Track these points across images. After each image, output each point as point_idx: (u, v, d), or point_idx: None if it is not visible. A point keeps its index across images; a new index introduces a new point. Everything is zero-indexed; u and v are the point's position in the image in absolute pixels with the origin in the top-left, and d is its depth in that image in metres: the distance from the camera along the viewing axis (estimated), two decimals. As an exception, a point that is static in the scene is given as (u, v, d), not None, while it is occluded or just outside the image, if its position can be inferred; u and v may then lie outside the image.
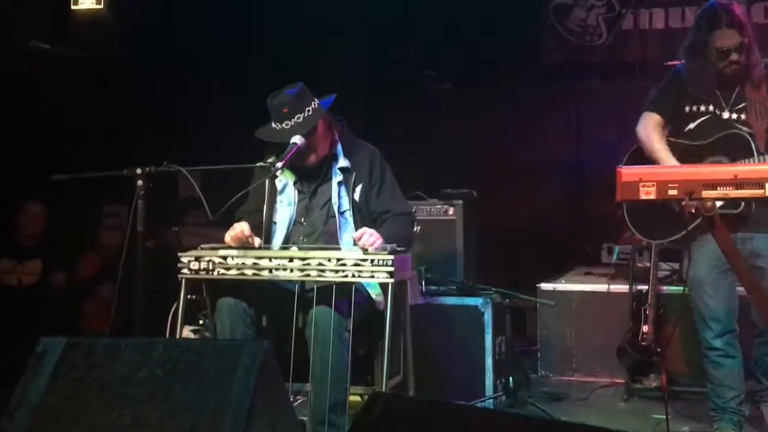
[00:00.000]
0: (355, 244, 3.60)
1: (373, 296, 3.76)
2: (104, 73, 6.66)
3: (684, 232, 3.80)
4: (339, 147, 3.94)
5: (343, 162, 3.90)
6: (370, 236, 3.58)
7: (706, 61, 3.96)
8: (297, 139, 3.71)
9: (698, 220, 3.44)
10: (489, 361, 4.80)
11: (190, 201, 6.68)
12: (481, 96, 7.48)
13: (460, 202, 5.22)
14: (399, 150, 6.33)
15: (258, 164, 3.83)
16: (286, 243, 3.86)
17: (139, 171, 3.66)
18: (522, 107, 7.43)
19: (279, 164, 3.61)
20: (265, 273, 3.48)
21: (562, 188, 7.36)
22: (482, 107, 7.44)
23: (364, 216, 3.88)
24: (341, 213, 3.85)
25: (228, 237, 3.70)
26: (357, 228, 3.77)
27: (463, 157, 7.28)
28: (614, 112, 7.14)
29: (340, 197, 3.86)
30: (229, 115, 6.70)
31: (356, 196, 3.87)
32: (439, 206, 5.23)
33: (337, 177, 3.88)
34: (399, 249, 3.54)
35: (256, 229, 3.82)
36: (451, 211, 5.21)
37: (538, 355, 5.63)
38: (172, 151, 3.97)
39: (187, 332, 4.51)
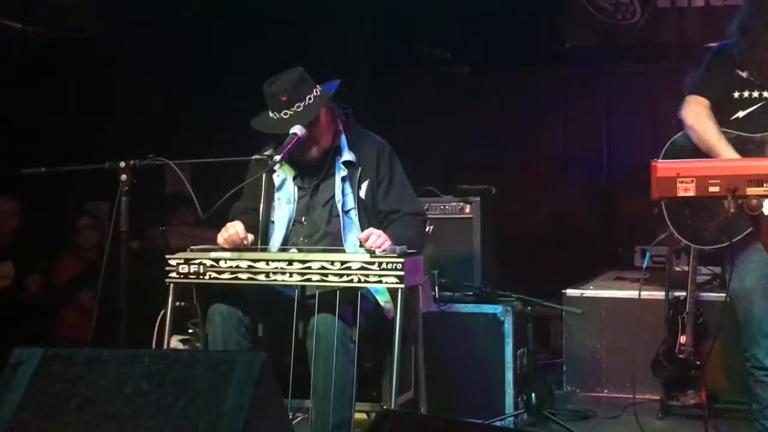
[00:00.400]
0: (361, 245, 3.60)
1: (381, 303, 3.76)
2: (83, 56, 6.66)
3: (739, 237, 3.68)
4: (343, 139, 3.94)
5: (347, 155, 3.90)
6: (378, 237, 3.58)
7: (759, 43, 3.88)
8: (297, 130, 3.71)
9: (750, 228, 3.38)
10: (509, 376, 4.80)
11: (179, 198, 6.67)
12: (501, 82, 7.48)
13: (478, 199, 5.21)
14: (410, 142, 6.36)
15: (254, 157, 3.83)
16: (285, 244, 3.86)
17: (122, 164, 3.65)
18: (547, 94, 7.43)
19: (277, 157, 3.62)
20: (262, 277, 3.49)
21: (590, 183, 7.37)
22: (503, 94, 7.44)
23: (370, 215, 3.88)
24: (345, 212, 3.85)
25: (220, 238, 3.70)
26: (363, 228, 3.77)
27: (481, 150, 7.28)
28: (648, 99, 7.14)
29: (344, 194, 3.85)
30: (223, 103, 6.70)
31: (362, 193, 3.87)
32: (455, 204, 5.23)
33: (341, 172, 3.88)
34: (410, 251, 3.54)
35: (251, 229, 3.82)
36: (467, 208, 5.21)
37: (564, 368, 5.63)
38: (159, 142, 3.98)
39: (175, 342, 4.53)
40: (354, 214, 3.85)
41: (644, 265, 5.55)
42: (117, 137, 6.28)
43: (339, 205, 3.84)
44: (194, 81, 6.92)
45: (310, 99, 3.80)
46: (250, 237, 3.74)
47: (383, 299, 3.76)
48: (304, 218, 3.89)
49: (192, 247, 3.63)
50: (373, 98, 7.22)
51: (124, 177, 3.65)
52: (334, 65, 5.85)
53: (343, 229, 3.82)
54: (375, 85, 7.44)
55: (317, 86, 3.85)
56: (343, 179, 3.87)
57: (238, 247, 3.67)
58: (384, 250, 3.49)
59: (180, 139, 6.41)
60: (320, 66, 4.01)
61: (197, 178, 4.29)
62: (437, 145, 7.37)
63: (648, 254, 5.58)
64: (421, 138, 7.30)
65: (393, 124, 6.85)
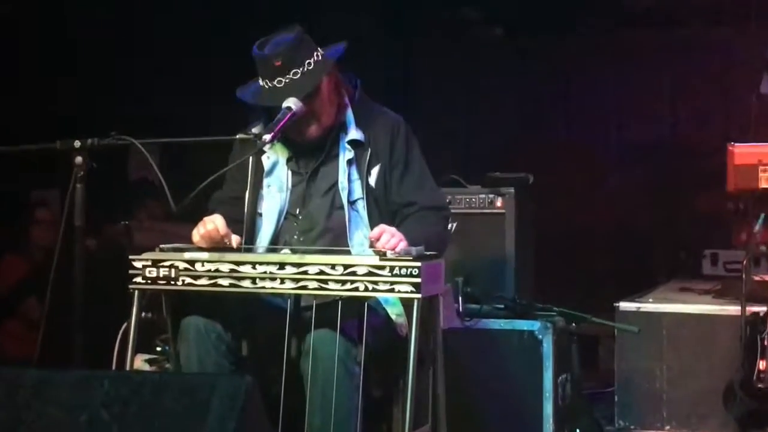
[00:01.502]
0: (371, 246, 3.59)
1: (393, 317, 3.76)
2: (37, 11, 6.67)
3: None
4: (349, 114, 3.93)
5: (354, 133, 3.90)
6: (392, 237, 3.57)
7: None
8: (292, 103, 3.70)
9: None
10: (548, 408, 4.79)
11: (145, 186, 6.69)
12: (542, 48, 7.47)
13: (512, 190, 5.21)
14: (430, 119, 6.36)
15: (238, 136, 3.82)
16: (276, 243, 3.86)
17: (77, 144, 3.65)
18: (597, 65, 7.42)
19: (267, 136, 3.60)
20: (247, 284, 3.48)
21: (649, 174, 7.36)
22: (544, 63, 7.44)
23: (381, 208, 3.87)
24: (351, 203, 3.85)
25: (196, 235, 3.70)
26: (372, 224, 3.76)
27: (517, 130, 7.28)
28: (721, 71, 7.12)
29: (350, 181, 3.85)
30: (202, 70, 6.70)
31: (371, 181, 3.87)
32: (483, 196, 5.22)
33: (347, 154, 3.88)
34: (428, 253, 3.53)
35: (235, 224, 3.82)
36: (499, 202, 5.20)
37: (616, 399, 5.61)
38: (123, 119, 3.98)
39: (140, 362, 4.53)
40: (362, 206, 3.85)
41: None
42: (71, 109, 6.29)
43: (343, 195, 3.83)
44: (166, 43, 6.91)
45: (309, 65, 3.80)
46: (234, 238, 3.73)
47: (395, 312, 3.76)
48: (299, 210, 3.89)
49: (161, 246, 3.63)
50: (387, 66, 7.22)
51: (79, 159, 3.64)
52: (340, 25, 5.84)
53: (349, 224, 3.82)
54: (389, 49, 7.43)
55: (319, 49, 3.85)
56: (349, 162, 3.87)
57: (217, 246, 3.66)
58: (397, 252, 3.47)
59: (148, 113, 6.43)
60: (324, 25, 4.01)
61: (168, 162, 4.28)
62: (463, 124, 7.37)
63: (761, 219, 5.33)
64: (444, 115, 7.29)
65: (410, 97, 6.86)
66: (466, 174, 5.36)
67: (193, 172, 3.66)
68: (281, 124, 3.65)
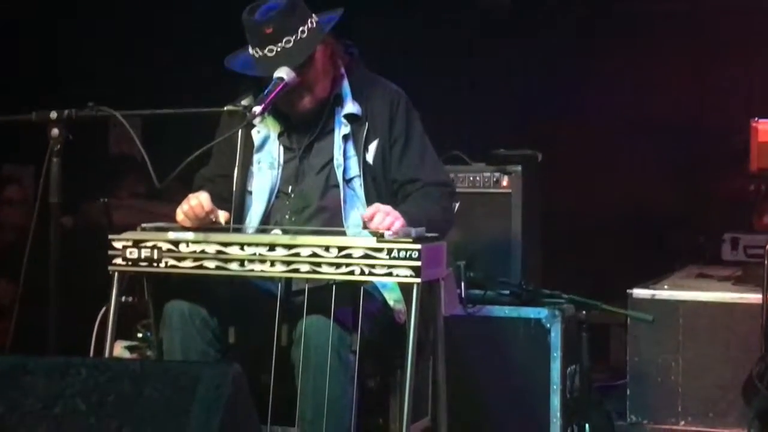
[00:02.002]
0: (364, 226, 3.60)
1: (391, 303, 3.77)
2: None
3: None
4: (346, 85, 3.94)
5: (351, 107, 3.90)
6: (386, 216, 3.57)
7: None
8: (284, 73, 3.70)
9: None
10: (556, 401, 4.82)
11: (126, 161, 6.69)
12: (551, 18, 7.44)
13: (519, 168, 5.21)
14: (431, 92, 6.34)
15: (226, 108, 3.83)
16: (266, 223, 3.87)
17: (53, 115, 3.65)
18: (612, 36, 7.40)
19: (257, 108, 3.59)
20: (235, 266, 3.49)
21: (667, 152, 7.35)
22: (553, 35, 7.41)
23: (380, 186, 3.88)
24: (347, 181, 3.85)
25: (180, 213, 3.70)
26: (370, 203, 3.77)
27: (525, 105, 7.27)
28: (745, 43, 7.11)
29: (346, 157, 3.86)
30: (186, 36, 6.68)
31: (369, 157, 3.88)
32: (488, 174, 5.23)
33: (343, 128, 3.88)
34: (429, 235, 3.54)
35: (222, 203, 3.82)
36: (504, 181, 5.20)
37: (628, 392, 5.62)
38: (102, 88, 3.98)
39: (120, 350, 4.55)
40: (358, 184, 3.86)
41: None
42: (47, 80, 6.27)
43: (339, 172, 3.84)
44: (155, 11, 6.89)
45: (303, 32, 3.79)
46: (222, 213, 3.73)
47: (393, 298, 3.77)
48: (291, 188, 3.90)
49: (143, 225, 3.64)
50: (386, 35, 7.19)
51: (55, 132, 3.64)
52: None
53: (344, 203, 3.82)
54: (389, 18, 7.41)
55: (313, 16, 3.85)
56: (345, 138, 3.87)
57: (203, 226, 3.66)
58: (395, 233, 3.48)
59: (129, 83, 6.41)
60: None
61: (151, 136, 4.28)
62: (466, 98, 7.35)
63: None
64: (446, 88, 7.28)
65: (410, 69, 6.83)
66: (470, 151, 5.35)
67: (177, 146, 3.66)
68: (272, 95, 3.65)
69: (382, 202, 3.70)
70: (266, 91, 3.66)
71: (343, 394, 3.49)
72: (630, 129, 7.34)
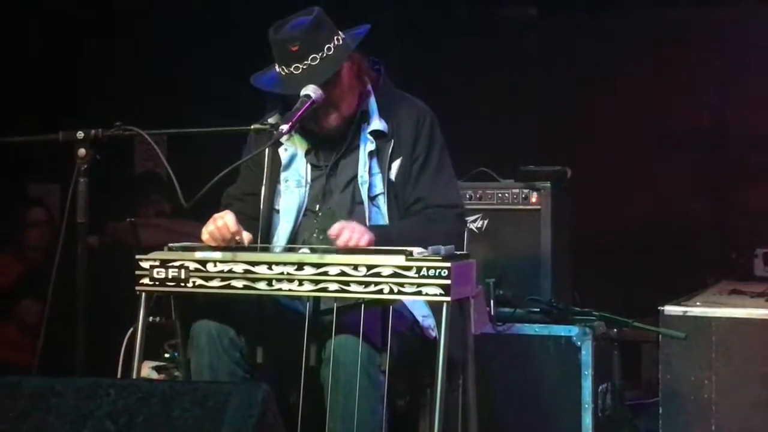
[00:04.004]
0: (331, 244, 3.60)
1: (420, 319, 3.77)
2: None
3: None
4: (372, 101, 3.94)
5: (377, 123, 3.90)
6: (352, 232, 3.57)
7: None
8: (311, 91, 3.71)
9: None
10: (587, 419, 4.81)
11: (152, 180, 6.72)
12: (579, 29, 7.44)
13: (548, 184, 5.20)
14: (458, 107, 6.35)
15: (254, 126, 3.83)
16: (294, 242, 3.87)
17: (80, 135, 3.67)
18: (639, 46, 7.39)
19: (284, 127, 3.62)
20: (263, 285, 3.49)
21: (697, 165, 7.33)
22: (579, 45, 7.40)
23: (400, 204, 3.90)
24: (372, 198, 3.86)
25: (205, 233, 3.70)
26: (393, 221, 3.80)
27: (553, 119, 7.26)
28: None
29: (371, 174, 3.86)
30: (214, 54, 6.70)
31: (392, 175, 3.89)
32: (517, 191, 5.21)
33: (368, 145, 3.89)
34: (459, 253, 3.54)
35: (249, 221, 3.84)
36: (534, 197, 5.19)
37: (660, 411, 5.59)
38: (126, 107, 4.00)
39: (147, 370, 4.56)
40: (383, 201, 3.86)
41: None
42: (73, 99, 6.31)
43: (363, 189, 3.85)
44: (176, 24, 6.92)
45: (329, 49, 3.80)
46: (246, 235, 3.73)
47: (422, 314, 3.77)
48: (318, 206, 3.90)
49: (170, 244, 3.65)
50: (413, 50, 7.20)
51: (82, 152, 3.66)
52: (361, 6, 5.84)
53: (369, 221, 3.82)
54: (415, 32, 7.41)
55: (339, 33, 3.86)
56: (371, 154, 3.88)
57: (228, 246, 3.67)
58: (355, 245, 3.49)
59: (154, 102, 6.44)
60: (346, 6, 4.00)
61: (178, 155, 4.31)
62: (494, 112, 7.34)
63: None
64: (474, 102, 7.28)
65: (436, 84, 6.84)
66: (498, 167, 5.35)
67: (203, 164, 3.67)
68: (300, 113, 3.67)
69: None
70: (294, 109, 3.68)
71: (372, 414, 3.49)
72: (659, 143, 7.32)
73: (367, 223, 3.80)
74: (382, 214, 3.86)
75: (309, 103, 3.71)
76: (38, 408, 2.69)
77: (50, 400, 2.68)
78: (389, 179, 3.87)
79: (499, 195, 5.22)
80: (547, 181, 5.21)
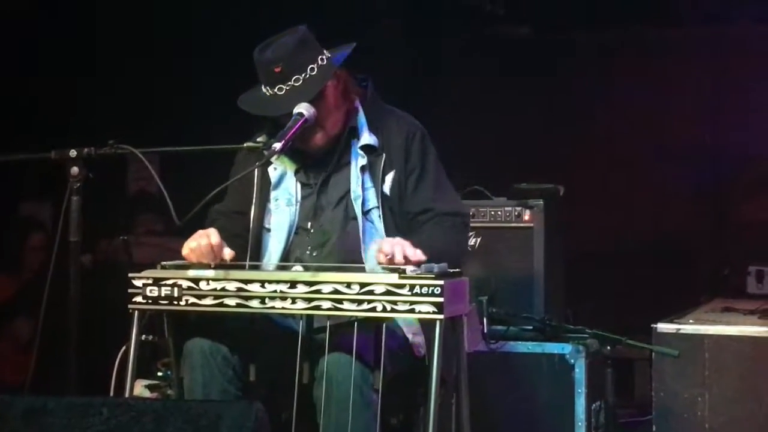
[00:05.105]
0: (380, 262, 3.58)
1: (409, 336, 3.77)
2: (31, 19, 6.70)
3: None
4: (361, 116, 3.94)
5: (368, 138, 3.90)
6: (394, 247, 3.53)
7: None
8: (304, 109, 3.71)
9: None
10: (581, 437, 4.80)
11: (145, 198, 6.72)
12: (573, 47, 7.46)
13: (541, 202, 5.21)
14: (449, 125, 6.36)
15: (246, 144, 3.83)
16: (286, 259, 3.87)
17: (73, 153, 3.68)
18: (633, 64, 7.40)
19: (277, 145, 3.60)
20: (256, 303, 3.49)
21: (689, 183, 7.34)
22: (576, 64, 7.42)
23: (397, 218, 3.89)
24: (365, 213, 3.86)
25: (186, 248, 3.66)
26: (389, 234, 3.78)
27: (546, 137, 7.27)
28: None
29: (364, 189, 3.86)
30: (206, 74, 6.71)
31: (386, 188, 3.88)
32: (510, 208, 5.22)
33: (360, 160, 3.89)
34: (451, 271, 3.54)
35: (234, 239, 3.83)
36: (527, 215, 5.20)
37: (654, 428, 5.59)
38: (120, 125, 4.00)
39: (140, 389, 4.55)
40: (377, 216, 3.86)
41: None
42: (66, 117, 6.30)
43: (357, 204, 3.85)
44: (165, 43, 6.93)
45: (312, 70, 3.81)
46: (228, 251, 3.70)
47: (411, 331, 3.77)
48: (310, 224, 3.91)
49: (163, 263, 3.64)
50: (404, 68, 7.22)
51: (75, 170, 3.68)
52: (354, 24, 5.84)
53: (363, 236, 3.83)
54: (408, 49, 7.43)
55: (324, 52, 3.87)
56: (362, 169, 3.88)
57: (221, 264, 3.65)
58: (415, 261, 3.47)
59: (147, 121, 6.45)
60: (340, 26, 4.01)
61: (170, 173, 4.30)
62: (486, 131, 7.35)
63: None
64: (465, 120, 7.29)
65: (428, 102, 6.85)
66: (491, 185, 5.35)
67: (195, 183, 3.67)
68: (292, 131, 3.66)
69: (398, 235, 3.71)
70: (286, 127, 3.68)
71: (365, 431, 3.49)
72: (652, 158, 7.32)
73: (361, 238, 3.81)
74: (376, 229, 3.86)
75: (302, 121, 3.71)
76: (31, 426, 2.68)
77: (43, 419, 2.68)
78: (383, 193, 3.87)
79: (492, 213, 5.22)
80: (539, 199, 5.22)
